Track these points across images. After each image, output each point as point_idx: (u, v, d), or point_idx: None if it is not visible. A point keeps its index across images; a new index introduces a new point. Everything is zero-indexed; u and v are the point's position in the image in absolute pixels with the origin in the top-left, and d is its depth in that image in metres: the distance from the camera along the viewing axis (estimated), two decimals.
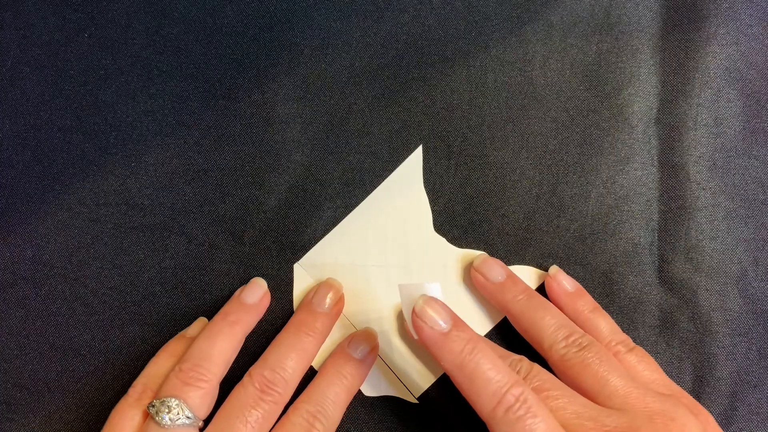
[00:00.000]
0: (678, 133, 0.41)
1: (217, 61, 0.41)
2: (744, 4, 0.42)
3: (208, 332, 0.36)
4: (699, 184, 0.41)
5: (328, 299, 0.38)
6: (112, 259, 0.39)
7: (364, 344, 0.38)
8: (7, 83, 0.40)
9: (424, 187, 0.41)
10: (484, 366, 0.30)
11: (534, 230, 0.41)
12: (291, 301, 0.40)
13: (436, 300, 0.32)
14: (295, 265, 0.40)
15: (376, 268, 0.40)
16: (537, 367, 0.34)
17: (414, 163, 0.41)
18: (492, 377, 0.30)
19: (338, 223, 0.40)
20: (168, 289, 0.39)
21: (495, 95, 0.41)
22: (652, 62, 0.42)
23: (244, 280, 0.40)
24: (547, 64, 0.41)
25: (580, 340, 0.35)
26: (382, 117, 0.41)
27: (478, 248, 0.41)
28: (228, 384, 0.35)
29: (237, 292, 0.39)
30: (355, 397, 0.38)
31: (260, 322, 0.39)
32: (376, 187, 0.41)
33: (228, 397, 0.35)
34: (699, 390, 0.40)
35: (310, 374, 0.38)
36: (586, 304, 0.38)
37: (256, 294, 0.38)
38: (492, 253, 0.40)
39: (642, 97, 0.42)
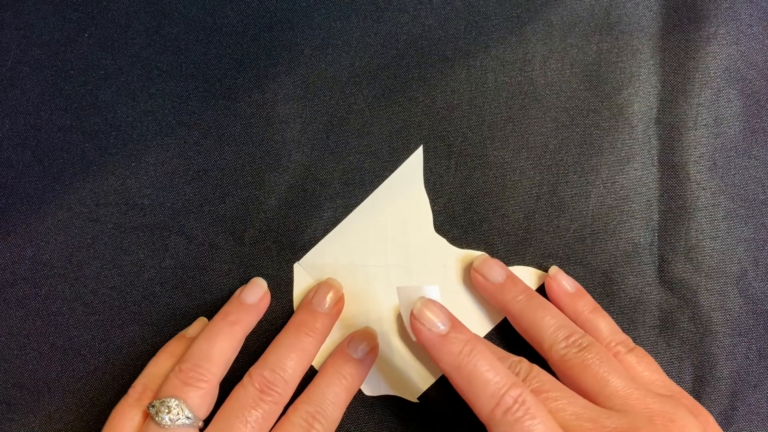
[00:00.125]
0: (678, 133, 0.41)
1: (217, 61, 0.41)
2: (744, 4, 0.42)
3: (208, 332, 0.36)
4: (699, 184, 0.41)
5: (328, 299, 0.38)
6: (112, 259, 0.39)
7: (363, 344, 0.38)
8: (7, 83, 0.40)
9: (424, 186, 0.41)
10: (482, 367, 0.30)
11: (534, 230, 0.41)
12: (291, 301, 0.40)
13: (434, 302, 0.32)
14: (295, 265, 0.40)
15: (376, 268, 0.40)
16: (536, 368, 0.34)
17: (415, 163, 0.41)
18: (490, 379, 0.30)
19: (338, 223, 0.40)
20: (168, 289, 0.39)
21: (495, 95, 0.41)
22: (652, 62, 0.42)
23: (244, 280, 0.40)
24: (547, 64, 0.41)
25: (580, 341, 0.35)
26: (382, 117, 0.41)
27: (478, 248, 0.41)
28: (228, 384, 0.35)
29: (237, 292, 0.39)
30: (355, 397, 0.38)
31: (260, 322, 0.39)
32: (376, 187, 0.41)
33: (228, 398, 0.35)
34: (699, 390, 0.40)
35: (311, 374, 0.38)
36: (586, 305, 0.38)
37: (256, 294, 0.38)
38: (492, 253, 0.40)
39: (642, 97, 0.42)
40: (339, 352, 0.38)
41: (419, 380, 0.39)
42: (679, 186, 0.41)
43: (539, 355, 0.37)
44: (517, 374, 0.33)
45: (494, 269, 0.39)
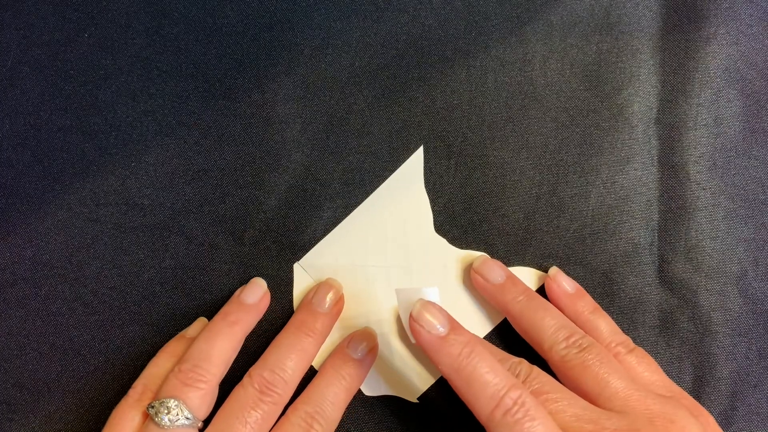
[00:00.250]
0: (678, 133, 0.41)
1: (217, 61, 0.41)
2: (744, 4, 0.42)
3: (207, 332, 0.36)
4: (699, 184, 0.41)
5: (328, 299, 0.38)
6: (112, 259, 0.39)
7: (363, 344, 0.38)
8: (7, 83, 0.40)
9: (425, 187, 0.41)
10: (481, 369, 0.30)
11: (534, 230, 0.41)
12: (291, 301, 0.40)
13: (433, 304, 0.32)
14: (295, 265, 0.40)
15: (376, 268, 0.40)
16: (536, 369, 0.34)
17: (415, 163, 0.41)
18: (489, 380, 0.30)
19: (338, 223, 0.40)
20: (168, 289, 0.39)
21: (495, 95, 0.41)
22: (652, 62, 0.42)
23: (244, 280, 0.40)
24: (547, 64, 0.41)
25: (580, 342, 0.35)
26: (382, 117, 0.41)
27: (478, 248, 0.41)
28: (228, 384, 0.36)
29: (237, 292, 0.39)
30: (355, 397, 0.38)
31: (260, 322, 0.39)
32: (376, 187, 0.41)
33: (228, 398, 0.35)
34: (699, 390, 0.40)
35: (311, 374, 0.38)
36: (586, 305, 0.38)
37: (255, 294, 0.38)
38: (492, 254, 0.40)
39: (642, 97, 0.42)
40: (338, 352, 0.38)
41: (419, 381, 0.39)
42: (679, 186, 0.41)
43: (539, 356, 0.37)
44: (517, 375, 0.33)
45: (494, 270, 0.39)
